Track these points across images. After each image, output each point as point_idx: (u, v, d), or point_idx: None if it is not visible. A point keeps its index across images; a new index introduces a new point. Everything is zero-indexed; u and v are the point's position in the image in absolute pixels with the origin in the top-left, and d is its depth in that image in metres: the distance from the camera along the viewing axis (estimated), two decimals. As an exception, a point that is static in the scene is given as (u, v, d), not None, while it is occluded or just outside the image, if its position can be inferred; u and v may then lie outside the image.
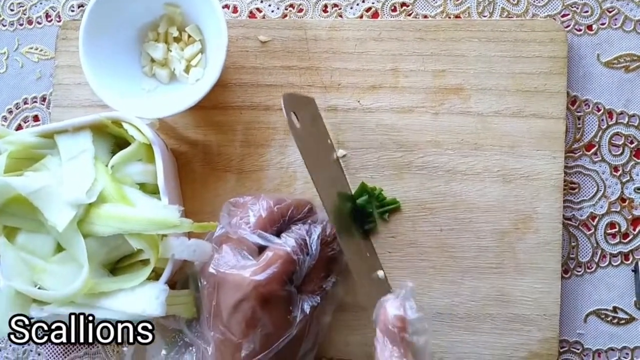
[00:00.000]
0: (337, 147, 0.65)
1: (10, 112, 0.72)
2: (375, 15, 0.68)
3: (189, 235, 0.57)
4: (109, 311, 0.55)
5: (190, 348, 0.59)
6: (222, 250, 0.56)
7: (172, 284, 0.58)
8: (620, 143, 0.64)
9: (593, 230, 0.64)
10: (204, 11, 0.61)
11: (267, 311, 0.53)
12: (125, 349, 0.58)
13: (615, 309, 0.63)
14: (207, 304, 0.55)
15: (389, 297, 0.51)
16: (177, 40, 0.65)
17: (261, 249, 0.55)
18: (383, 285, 0.61)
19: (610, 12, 0.65)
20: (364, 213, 0.63)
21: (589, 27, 0.65)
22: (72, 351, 0.69)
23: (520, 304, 0.61)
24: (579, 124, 0.64)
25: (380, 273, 0.61)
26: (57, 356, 0.69)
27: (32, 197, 0.54)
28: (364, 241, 0.63)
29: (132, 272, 0.58)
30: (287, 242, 0.55)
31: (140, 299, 0.55)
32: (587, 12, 0.65)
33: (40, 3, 0.73)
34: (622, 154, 0.64)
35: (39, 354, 0.70)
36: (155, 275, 0.57)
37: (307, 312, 0.55)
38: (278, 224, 0.57)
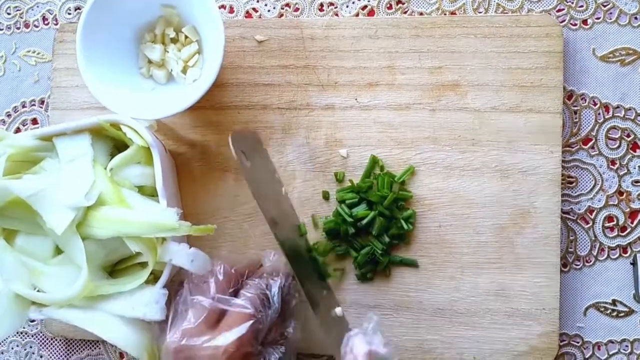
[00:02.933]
0: (336, 146, 0.65)
1: (9, 115, 0.73)
2: (371, 13, 0.68)
3: (189, 243, 0.57)
4: (109, 315, 0.55)
5: None
6: (185, 324, 0.54)
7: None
8: (616, 136, 0.64)
9: (591, 224, 0.64)
10: (201, 12, 0.61)
11: None
12: None
13: (614, 302, 0.63)
14: None
15: (356, 331, 0.51)
16: (174, 41, 0.65)
17: (222, 314, 0.54)
18: (342, 322, 0.62)
19: (605, 6, 0.65)
20: (316, 259, 0.64)
21: (584, 22, 0.65)
22: (74, 352, 0.69)
23: (519, 299, 0.62)
24: (576, 118, 0.64)
25: (339, 310, 0.62)
26: (59, 358, 0.69)
27: (31, 199, 0.54)
28: (320, 280, 0.63)
29: (131, 275, 0.58)
30: (249, 301, 0.54)
31: (140, 303, 0.55)
32: (582, 6, 0.65)
33: (37, 6, 0.73)
34: (619, 147, 0.64)
35: (41, 357, 0.70)
36: (154, 278, 0.57)
37: None
38: (236, 285, 0.56)
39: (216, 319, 0.54)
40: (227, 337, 0.51)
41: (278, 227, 0.58)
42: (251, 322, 0.53)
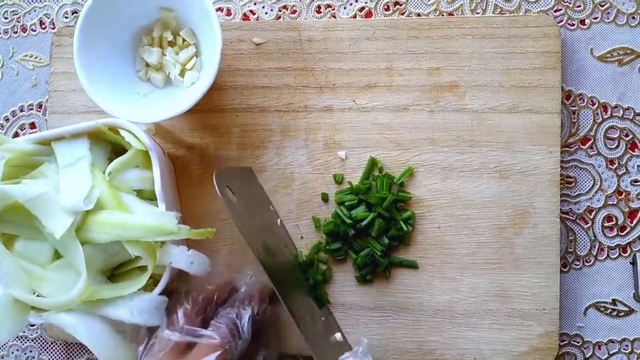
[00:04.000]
0: (335, 148, 0.65)
1: (7, 119, 0.73)
2: (368, 14, 0.68)
3: (188, 245, 0.57)
4: (103, 325, 0.55)
5: None
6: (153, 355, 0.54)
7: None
8: (615, 136, 0.64)
9: (590, 224, 0.64)
10: (198, 15, 0.61)
11: None
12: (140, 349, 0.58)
13: (614, 302, 0.63)
14: None
15: (347, 355, 0.52)
16: (172, 44, 0.65)
17: (191, 346, 0.54)
18: (341, 347, 0.62)
19: (602, 6, 0.65)
20: (315, 285, 0.64)
21: (582, 22, 0.65)
22: (74, 356, 0.69)
23: (519, 299, 0.62)
24: (574, 119, 0.65)
25: (338, 335, 0.62)
26: (59, 362, 0.70)
27: (30, 204, 0.54)
28: (319, 306, 0.63)
29: (130, 279, 0.58)
30: (217, 331, 0.54)
31: (140, 309, 0.55)
32: (579, 6, 0.65)
33: (34, 10, 0.73)
34: (617, 147, 0.64)
35: (42, 361, 0.70)
36: (153, 282, 0.57)
37: None
38: (205, 313, 0.56)
39: (185, 349, 0.53)
40: None
41: (272, 257, 0.58)
42: (218, 353, 0.52)
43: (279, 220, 0.65)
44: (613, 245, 0.64)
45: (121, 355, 0.56)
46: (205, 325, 0.56)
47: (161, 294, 0.57)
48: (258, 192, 0.65)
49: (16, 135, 0.72)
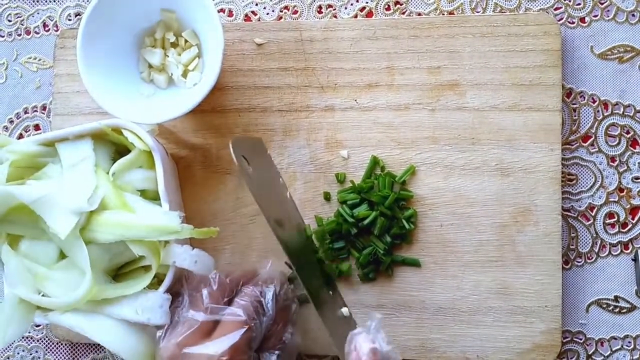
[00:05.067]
0: (337, 147, 0.65)
1: (11, 121, 0.73)
2: (369, 14, 0.68)
3: (192, 245, 0.57)
4: (111, 321, 0.56)
5: None
6: (179, 333, 0.54)
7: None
8: (616, 133, 0.64)
9: (592, 221, 0.64)
10: (200, 16, 0.61)
11: None
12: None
13: (616, 298, 0.64)
14: None
15: (359, 330, 0.52)
16: (174, 45, 0.65)
17: (216, 323, 0.54)
18: (349, 322, 0.62)
19: (602, 3, 0.65)
20: (323, 260, 0.64)
21: (582, 20, 0.65)
22: (80, 356, 0.70)
23: (522, 296, 0.62)
24: (575, 116, 0.65)
25: (345, 310, 0.62)
26: (65, 362, 0.70)
27: (35, 205, 0.54)
28: (326, 279, 0.64)
29: (134, 279, 0.58)
30: (242, 308, 0.54)
31: (144, 307, 0.55)
32: (579, 4, 0.65)
33: (38, 13, 0.73)
34: (618, 144, 0.64)
35: (47, 361, 0.70)
36: (157, 281, 0.58)
37: None
38: (230, 295, 0.56)
39: (210, 329, 0.53)
40: (219, 346, 0.51)
41: (282, 229, 0.59)
42: (244, 329, 0.52)
43: (288, 193, 0.65)
44: (615, 242, 0.64)
45: (139, 345, 0.56)
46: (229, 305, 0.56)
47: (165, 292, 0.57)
48: (269, 164, 0.65)
49: (20, 136, 0.73)
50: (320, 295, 0.60)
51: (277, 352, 0.56)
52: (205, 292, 0.55)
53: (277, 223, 0.58)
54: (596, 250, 0.64)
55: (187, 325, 0.53)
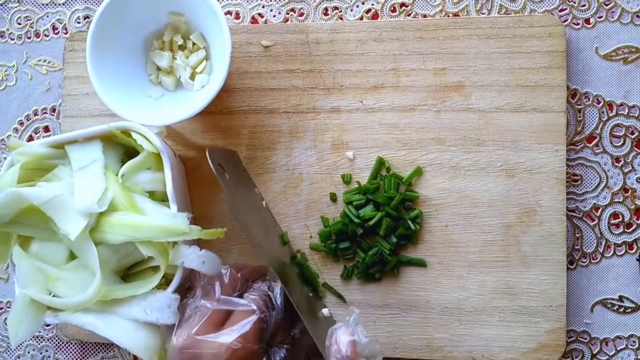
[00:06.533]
0: (343, 148, 0.66)
1: (22, 123, 0.74)
2: (375, 16, 0.69)
3: (200, 245, 0.58)
4: (121, 319, 0.56)
5: None
6: (192, 324, 0.55)
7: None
8: (621, 134, 0.65)
9: (597, 221, 0.65)
10: (208, 19, 0.62)
11: None
12: None
13: (621, 298, 0.64)
14: None
15: (339, 324, 0.53)
16: (182, 48, 0.66)
17: (228, 315, 0.56)
18: (329, 322, 0.63)
19: (607, 5, 0.65)
20: (301, 265, 0.65)
21: (587, 21, 0.66)
22: (89, 355, 0.70)
23: (527, 296, 0.62)
24: (580, 117, 0.65)
25: (325, 311, 0.63)
26: (74, 361, 0.71)
27: (45, 207, 0.55)
28: (305, 281, 0.65)
29: (143, 279, 0.59)
30: (252, 302, 0.56)
31: (153, 307, 0.56)
32: (584, 6, 0.66)
33: (47, 16, 0.74)
34: (623, 145, 0.65)
35: (57, 360, 0.71)
36: (166, 281, 0.58)
37: None
38: (242, 289, 0.58)
39: (222, 320, 0.55)
40: (230, 334, 0.53)
41: (263, 238, 0.60)
42: (254, 318, 0.54)
43: (264, 203, 0.66)
44: (619, 242, 0.64)
45: (149, 339, 0.57)
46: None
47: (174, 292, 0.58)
48: (244, 175, 0.66)
49: (30, 138, 0.74)
50: (304, 302, 0.61)
51: (285, 346, 0.58)
52: (217, 284, 0.57)
53: (254, 235, 0.60)
54: (601, 251, 0.64)
55: (200, 316, 0.55)
